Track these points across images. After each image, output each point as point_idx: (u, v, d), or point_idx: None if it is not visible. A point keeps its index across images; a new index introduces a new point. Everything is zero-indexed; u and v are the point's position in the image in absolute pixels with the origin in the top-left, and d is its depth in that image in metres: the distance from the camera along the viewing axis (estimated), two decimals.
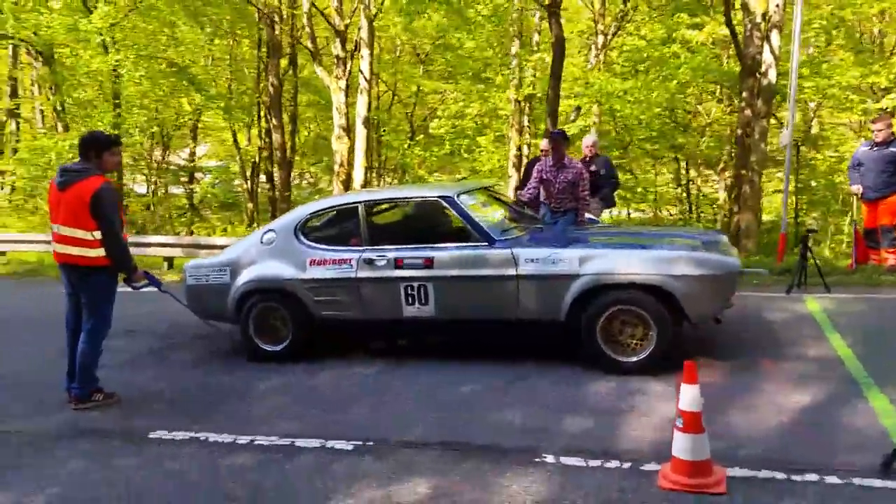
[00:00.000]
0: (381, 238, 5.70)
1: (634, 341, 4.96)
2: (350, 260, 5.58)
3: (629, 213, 21.40)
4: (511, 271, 5.14)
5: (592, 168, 9.08)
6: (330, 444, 4.10)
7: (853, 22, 17.20)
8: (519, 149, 18.88)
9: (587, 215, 7.10)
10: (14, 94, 24.19)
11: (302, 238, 5.82)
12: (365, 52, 16.05)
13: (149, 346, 6.66)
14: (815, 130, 18.93)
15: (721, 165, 18.24)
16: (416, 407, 4.69)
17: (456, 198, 5.54)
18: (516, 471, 3.61)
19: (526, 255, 5.15)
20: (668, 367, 4.84)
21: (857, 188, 8.63)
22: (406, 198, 6.35)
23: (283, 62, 21.43)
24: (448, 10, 14.83)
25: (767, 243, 12.83)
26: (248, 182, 22.57)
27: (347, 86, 16.56)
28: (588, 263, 4.99)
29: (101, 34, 15.44)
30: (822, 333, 5.79)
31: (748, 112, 12.46)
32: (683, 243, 5.29)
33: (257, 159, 22.43)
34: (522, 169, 13.50)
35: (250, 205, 22.43)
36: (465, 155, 20.24)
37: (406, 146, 21.79)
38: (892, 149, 8.31)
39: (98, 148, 4.88)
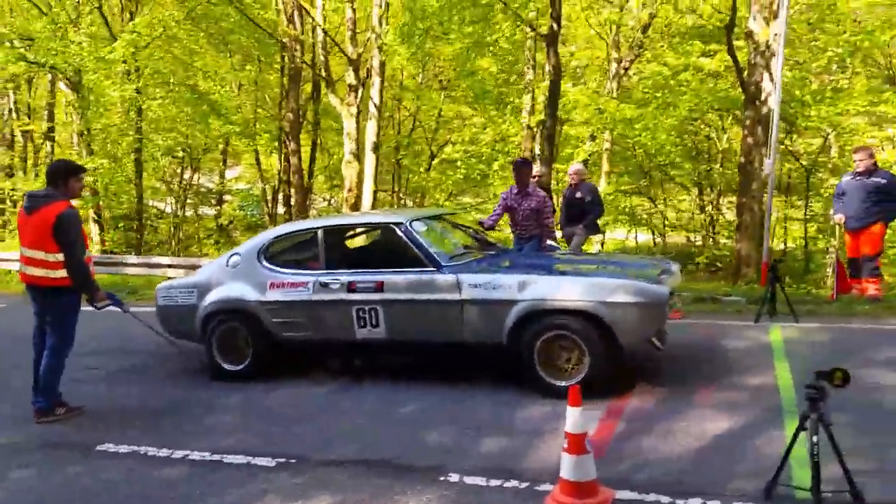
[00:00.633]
0: (339, 262, 5.94)
1: (570, 365, 5.08)
2: (307, 283, 5.80)
3: (636, 237, 21.35)
4: (455, 296, 5.30)
5: (578, 195, 9.23)
6: (255, 460, 4.29)
7: (868, 51, 17.04)
8: None
9: (548, 242, 7.23)
10: (51, 117, 25.14)
11: (264, 262, 6.06)
12: (376, 79, 16.44)
13: (126, 363, 6.95)
14: (835, 158, 18.75)
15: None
16: (354, 426, 4.87)
17: (409, 224, 5.73)
18: (418, 489, 3.76)
19: (469, 280, 5.31)
20: (606, 392, 4.97)
21: (839, 217, 8.63)
22: (362, 224, 6.58)
23: (308, 88, 21.99)
24: (469, 36, 14.98)
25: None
26: (269, 205, 23.11)
27: (358, 112, 16.95)
28: (526, 289, 5.14)
29: (124, 61, 16.11)
30: (772, 362, 5.82)
31: (750, 140, 12.46)
32: (631, 273, 5.38)
33: (276, 184, 22.96)
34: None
35: (271, 227, 22.89)
36: (479, 179, 20.47)
37: (422, 170, 22.11)
38: (874, 179, 8.31)
39: (65, 175, 5.23)
